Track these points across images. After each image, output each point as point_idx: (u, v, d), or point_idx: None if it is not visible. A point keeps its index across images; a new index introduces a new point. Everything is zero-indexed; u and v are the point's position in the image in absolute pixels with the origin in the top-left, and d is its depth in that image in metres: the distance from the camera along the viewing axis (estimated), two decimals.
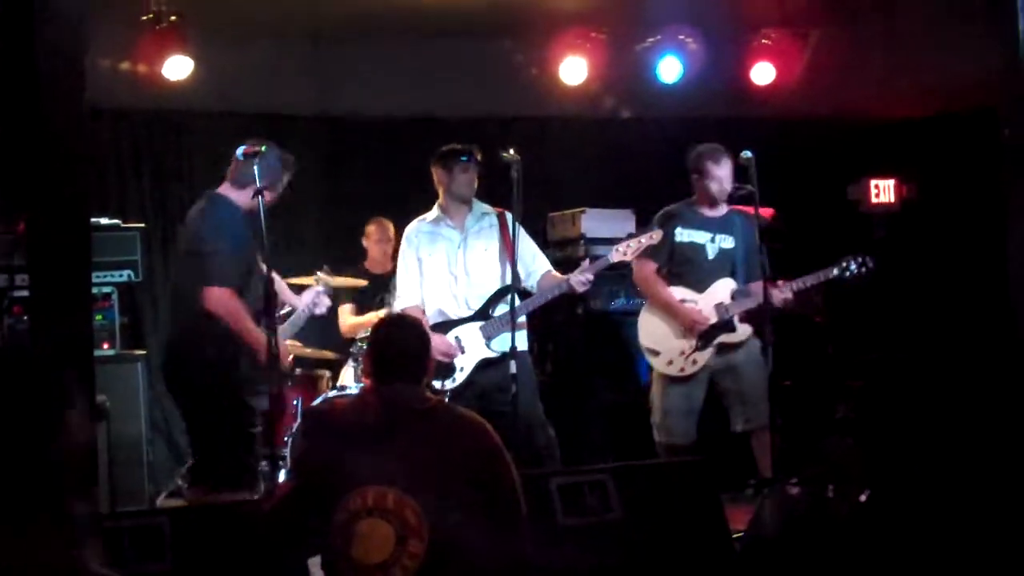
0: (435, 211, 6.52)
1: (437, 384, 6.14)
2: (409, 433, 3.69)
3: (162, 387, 8.14)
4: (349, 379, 7.36)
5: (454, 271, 6.39)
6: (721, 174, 6.57)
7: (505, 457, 3.86)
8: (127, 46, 7.64)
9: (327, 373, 7.65)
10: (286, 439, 7.01)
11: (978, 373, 7.28)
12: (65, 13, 3.69)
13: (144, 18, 7.49)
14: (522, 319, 6.13)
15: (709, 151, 6.62)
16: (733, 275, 6.62)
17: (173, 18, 7.49)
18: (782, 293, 6.38)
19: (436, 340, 6.02)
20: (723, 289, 6.55)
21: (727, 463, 7.05)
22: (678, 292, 6.53)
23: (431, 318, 6.33)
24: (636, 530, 4.70)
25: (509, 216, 6.38)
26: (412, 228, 6.56)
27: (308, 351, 7.71)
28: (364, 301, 7.71)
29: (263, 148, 5.33)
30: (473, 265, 6.39)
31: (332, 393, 7.09)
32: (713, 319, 6.50)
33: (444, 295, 6.41)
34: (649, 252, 6.56)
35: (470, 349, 6.30)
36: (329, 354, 7.74)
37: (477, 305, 6.36)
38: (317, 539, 3.63)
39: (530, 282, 6.43)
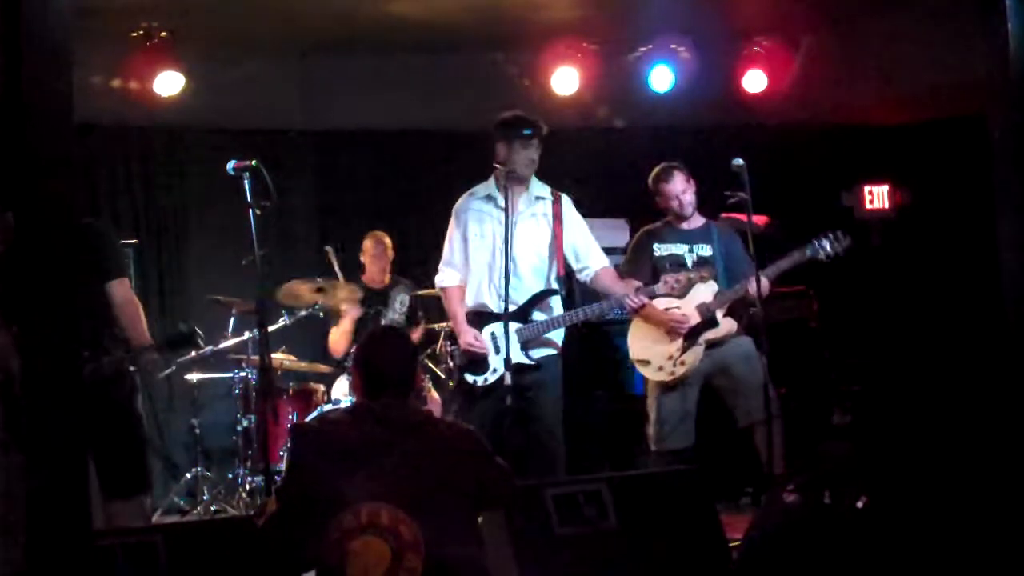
0: (489, 185, 6.08)
1: (469, 378, 5.92)
2: (400, 448, 3.68)
3: (160, 403, 8.21)
4: (342, 392, 7.34)
5: (499, 260, 5.87)
6: (674, 189, 6.62)
7: (496, 465, 3.85)
8: (118, 63, 7.66)
9: (321, 387, 7.64)
10: (281, 454, 7.00)
11: (974, 377, 7.28)
12: (51, 31, 3.67)
13: (135, 35, 7.51)
14: (558, 330, 5.99)
15: (657, 172, 6.70)
16: (715, 280, 6.63)
17: (164, 35, 7.52)
18: (753, 285, 6.36)
19: (471, 338, 5.94)
20: (705, 291, 6.56)
21: (723, 472, 7.06)
22: (661, 302, 6.53)
23: (469, 303, 6.05)
24: (632, 540, 4.67)
25: (566, 200, 6.13)
26: (461, 203, 6.13)
27: (303, 365, 7.71)
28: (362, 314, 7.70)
29: (253, 163, 5.32)
30: (519, 257, 5.92)
31: (327, 407, 7.08)
32: (695, 320, 6.51)
33: (484, 283, 6.01)
34: (632, 270, 6.61)
35: (504, 349, 5.76)
36: (323, 368, 7.74)
37: (516, 301, 5.90)
38: (309, 555, 3.60)
39: (584, 276, 6.14)
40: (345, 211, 9.06)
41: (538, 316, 5.96)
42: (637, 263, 6.68)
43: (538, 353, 5.93)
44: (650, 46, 8.48)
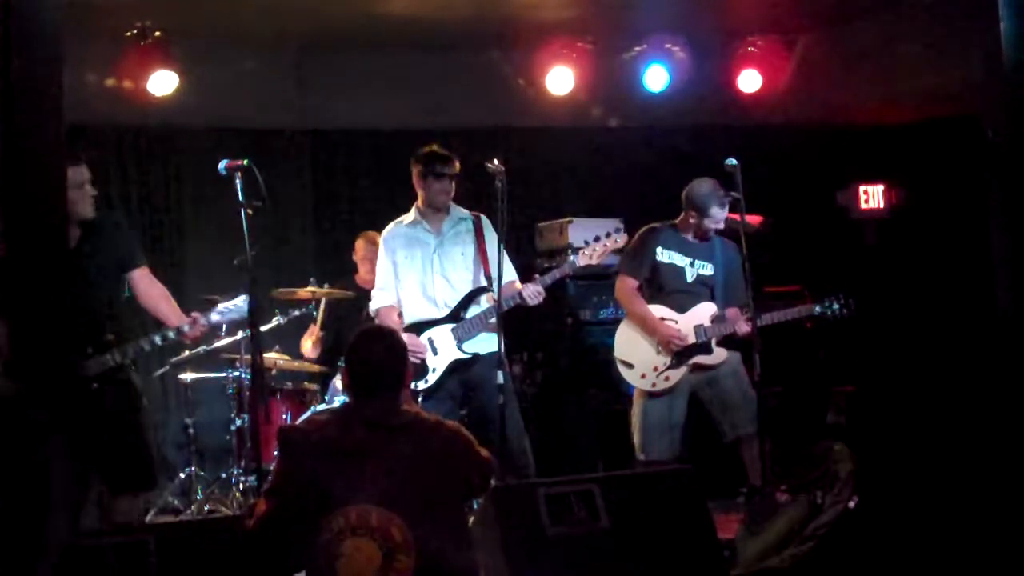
0: (412, 213, 6.56)
1: (411, 384, 6.10)
2: (388, 449, 3.68)
3: (154, 403, 8.20)
4: (338, 387, 7.33)
5: (430, 274, 6.43)
6: (722, 216, 6.56)
7: (485, 463, 3.86)
8: (112, 62, 7.65)
9: (314, 386, 7.64)
10: (275, 453, 6.97)
11: (968, 377, 7.27)
12: (41, 31, 3.67)
13: (129, 34, 7.50)
14: (492, 321, 6.23)
15: (717, 196, 6.48)
16: (712, 298, 6.62)
17: (158, 34, 7.51)
18: (745, 327, 6.36)
19: (408, 340, 6.05)
20: (704, 312, 6.55)
21: (719, 471, 7.05)
22: (659, 310, 6.52)
23: (406, 319, 6.44)
24: (624, 540, 4.65)
25: (485, 220, 6.50)
26: (389, 230, 6.60)
27: (296, 365, 7.70)
28: (352, 314, 7.66)
29: (245, 163, 5.32)
30: (448, 269, 6.43)
31: (320, 407, 7.07)
32: (691, 340, 6.50)
33: (418, 298, 6.45)
34: (630, 269, 6.61)
35: (442, 350, 6.33)
36: (316, 367, 7.73)
37: (450, 306, 6.40)
38: (300, 557, 3.60)
39: (494, 287, 6.39)
40: (340, 210, 9.06)
41: (471, 313, 6.38)
42: (637, 260, 6.64)
43: (473, 347, 6.32)
44: (645, 46, 8.48)
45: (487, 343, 6.26)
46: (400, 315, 6.48)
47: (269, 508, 3.69)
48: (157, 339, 5.51)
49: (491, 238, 6.44)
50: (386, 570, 3.48)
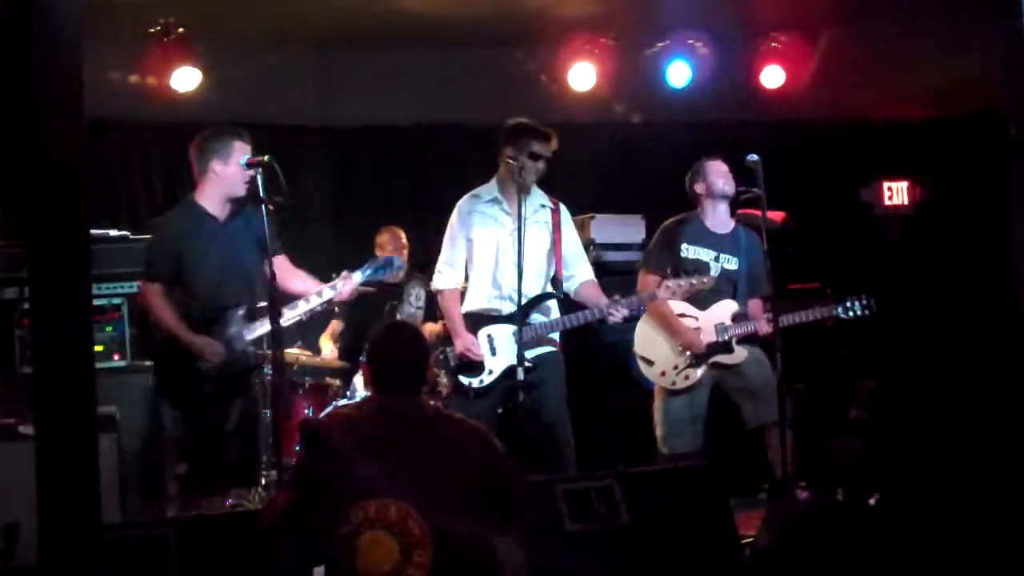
0: (492, 188, 6.18)
1: (464, 380, 6.02)
2: (409, 444, 3.69)
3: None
4: (360, 384, 7.34)
5: (502, 261, 6.06)
6: (722, 169, 6.61)
7: (506, 463, 3.85)
8: (135, 59, 7.69)
9: (336, 382, 7.65)
10: (297, 448, 7.00)
11: (991, 374, 7.24)
12: (62, 27, 3.69)
13: (152, 31, 7.54)
14: (552, 336, 6.09)
15: (704, 160, 6.67)
16: (735, 294, 6.59)
17: (180, 31, 7.54)
18: (766, 327, 6.34)
19: (468, 343, 6.04)
20: (725, 310, 6.53)
21: (740, 467, 7.04)
22: (680, 306, 6.50)
23: (467, 306, 6.16)
24: (643, 536, 4.67)
25: (564, 209, 6.23)
26: (464, 204, 6.19)
27: (317, 360, 7.72)
28: (374, 309, 7.68)
29: (266, 159, 5.35)
30: (523, 256, 5.89)
31: (342, 402, 7.08)
32: (711, 339, 6.48)
33: (485, 283, 6.13)
34: (653, 264, 6.58)
35: (501, 352, 6.04)
36: (338, 363, 7.74)
37: (516, 302, 5.96)
38: (320, 550, 3.61)
39: (568, 285, 6.22)
40: (361, 206, 9.07)
41: (536, 318, 6.06)
42: (661, 257, 6.60)
43: (534, 353, 5.97)
44: (667, 41, 8.48)
45: (547, 348, 6.05)
46: (461, 297, 6.17)
47: (288, 501, 3.71)
48: (313, 300, 5.65)
49: (569, 229, 6.21)
50: (404, 564, 3.49)
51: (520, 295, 5.82)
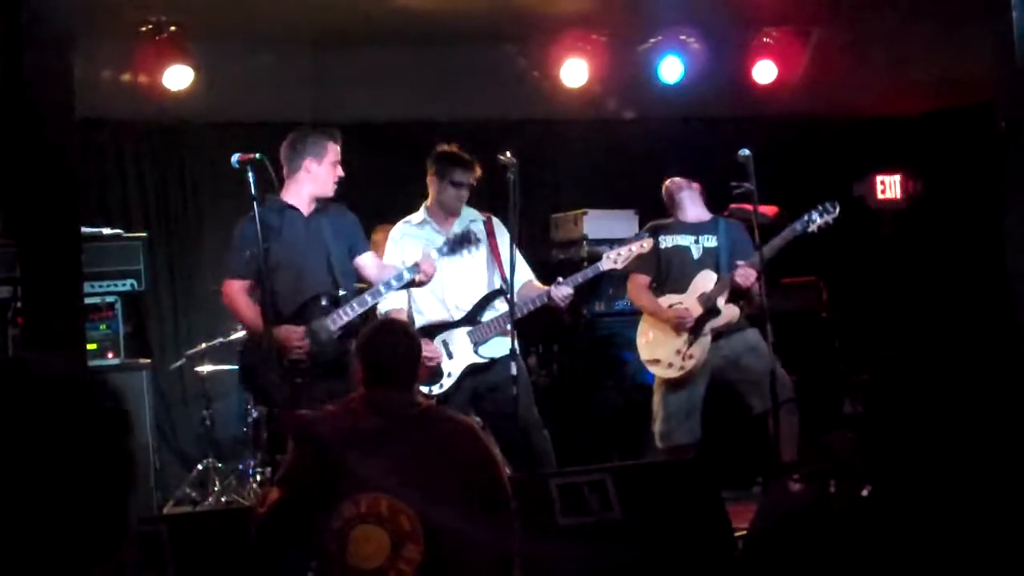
0: (421, 213, 6.47)
1: (425, 389, 6.11)
2: (401, 439, 3.70)
3: (172, 395, 8.25)
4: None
5: (439, 276, 6.18)
6: (694, 197, 6.81)
7: (496, 458, 3.87)
8: (128, 57, 7.67)
9: None
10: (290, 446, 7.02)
11: (984, 366, 7.26)
12: (53, 27, 3.70)
13: (144, 29, 7.52)
14: (509, 326, 6.13)
15: (676, 183, 6.86)
16: (717, 270, 6.65)
17: (173, 28, 7.52)
18: (744, 271, 6.39)
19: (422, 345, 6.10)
20: (704, 281, 6.60)
21: (734, 460, 7.06)
22: (666, 299, 6.61)
23: (418, 321, 6.33)
24: (636, 530, 4.69)
25: (496, 221, 6.41)
26: (397, 230, 6.50)
27: None
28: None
29: (257, 156, 5.37)
30: (458, 271, 6.29)
31: None
32: (698, 311, 6.55)
33: (430, 300, 6.35)
34: (640, 266, 6.63)
35: (458, 354, 6.24)
36: None
37: (464, 309, 6.31)
38: (311, 544, 3.63)
39: (515, 290, 6.25)
40: (355, 204, 9.03)
41: (487, 316, 6.27)
42: (647, 259, 6.68)
43: (489, 351, 6.20)
44: (659, 37, 8.46)
45: (503, 346, 6.11)
46: (411, 318, 6.35)
47: (280, 496, 3.72)
48: (394, 282, 5.72)
49: (503, 239, 6.35)
50: (395, 558, 3.50)
51: (511, 299, 5.98)
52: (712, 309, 6.54)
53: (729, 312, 6.56)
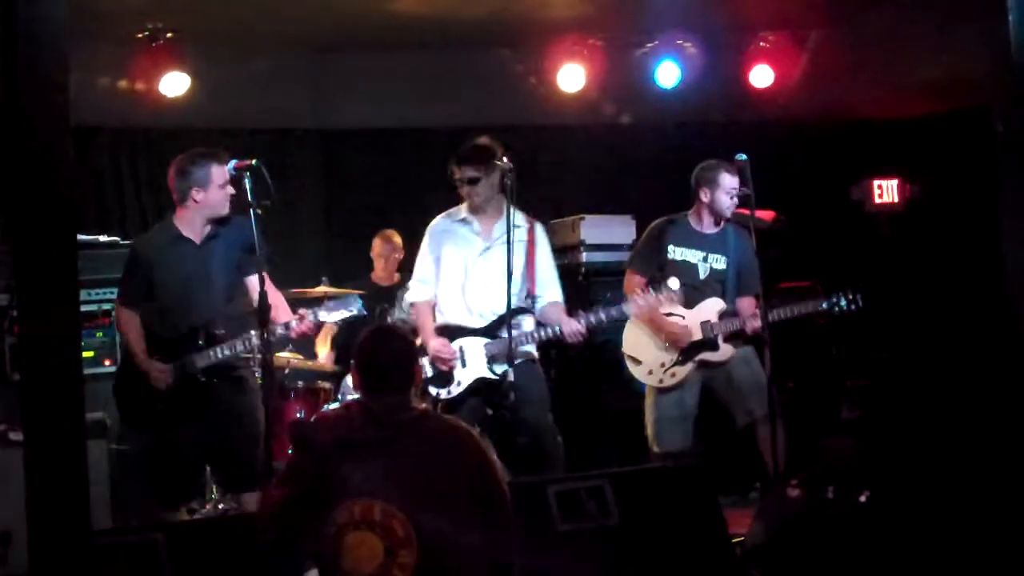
0: (464, 209, 6.25)
1: (433, 391, 6.06)
2: (396, 445, 3.70)
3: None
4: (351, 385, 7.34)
5: (469, 279, 6.14)
6: (733, 184, 6.47)
7: (493, 463, 3.85)
8: (124, 64, 7.68)
9: (328, 385, 7.65)
10: (290, 452, 7.01)
11: (982, 371, 7.25)
12: (49, 34, 3.69)
13: (140, 36, 7.53)
14: (525, 349, 6.08)
15: (724, 165, 6.49)
16: (723, 293, 6.59)
17: (169, 35, 7.53)
18: (754, 322, 6.35)
19: (439, 344, 6.08)
20: (712, 308, 6.54)
21: (731, 466, 7.05)
22: (667, 306, 6.48)
23: (439, 318, 6.20)
24: (634, 535, 4.68)
25: (540, 228, 6.26)
26: (436, 224, 6.30)
27: (309, 364, 7.72)
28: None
29: (253, 163, 5.36)
30: (487, 276, 6.08)
31: (334, 405, 7.08)
32: (697, 336, 6.49)
33: (456, 300, 6.18)
34: (640, 266, 6.60)
35: (471, 364, 6.09)
36: (329, 367, 7.75)
37: (486, 317, 6.11)
38: (307, 550, 3.63)
39: (537, 305, 6.18)
40: (353, 210, 9.06)
41: (507, 333, 5.96)
42: (647, 256, 6.64)
43: (502, 368, 5.94)
44: (656, 42, 8.48)
45: (520, 360, 5.99)
46: (433, 310, 6.23)
47: (281, 495, 3.73)
48: (261, 337, 5.42)
49: (544, 249, 6.22)
50: (388, 565, 3.50)
51: (505, 305, 5.85)
52: (711, 342, 6.50)
53: (726, 352, 6.50)
